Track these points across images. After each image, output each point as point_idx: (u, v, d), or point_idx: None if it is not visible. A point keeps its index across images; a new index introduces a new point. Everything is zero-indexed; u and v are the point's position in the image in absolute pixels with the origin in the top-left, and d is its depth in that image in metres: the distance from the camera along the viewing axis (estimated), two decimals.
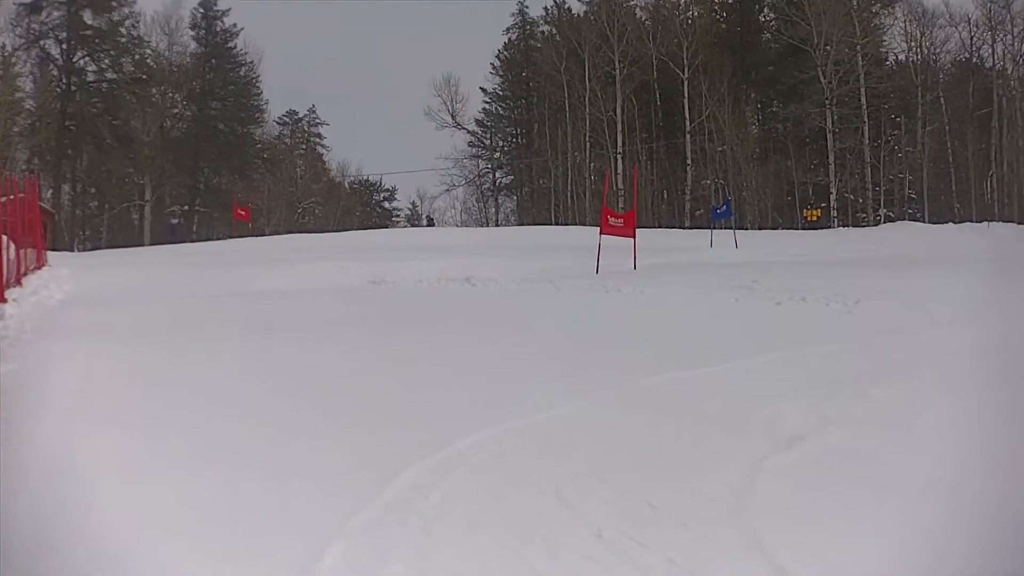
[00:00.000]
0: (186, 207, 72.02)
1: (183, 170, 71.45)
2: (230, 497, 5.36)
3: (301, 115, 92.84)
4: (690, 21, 70.82)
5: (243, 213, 48.35)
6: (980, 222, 47.59)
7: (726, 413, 7.29)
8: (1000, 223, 47.20)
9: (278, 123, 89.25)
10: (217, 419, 7.19)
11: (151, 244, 55.98)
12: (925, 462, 5.95)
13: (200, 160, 73.10)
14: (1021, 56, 64.02)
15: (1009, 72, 64.04)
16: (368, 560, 4.50)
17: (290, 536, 4.78)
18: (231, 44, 77.30)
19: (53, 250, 29.90)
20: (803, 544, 4.63)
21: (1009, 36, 63.72)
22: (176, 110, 74.23)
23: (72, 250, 48.61)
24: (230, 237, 44.24)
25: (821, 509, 5.17)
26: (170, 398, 7.91)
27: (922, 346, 10.65)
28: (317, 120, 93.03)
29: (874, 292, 15.10)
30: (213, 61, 76.02)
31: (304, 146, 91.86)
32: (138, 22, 69.40)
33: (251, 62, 77.86)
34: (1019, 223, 48.43)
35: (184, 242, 44.76)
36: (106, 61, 68.24)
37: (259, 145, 79.32)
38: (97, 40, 67.72)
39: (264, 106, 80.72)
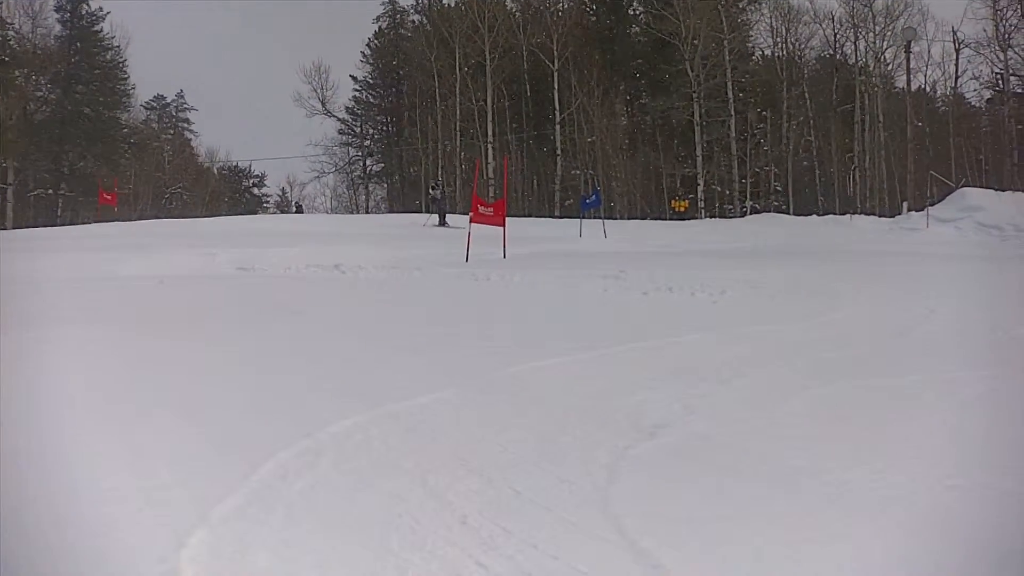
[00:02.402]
0: (50, 191, 70.43)
1: (47, 154, 69.87)
2: (86, 488, 5.25)
3: (169, 100, 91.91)
4: (560, 13, 71.45)
5: (109, 198, 47.49)
6: (843, 215, 48.74)
7: (592, 401, 7.34)
8: (862, 215, 48.53)
9: (145, 108, 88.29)
10: (66, 409, 7.05)
11: (13, 227, 54.81)
12: (785, 451, 6.05)
13: (65, 144, 71.42)
14: (882, 54, 65.75)
15: (871, 69, 65.72)
16: (232, 548, 4.44)
17: (151, 525, 4.69)
18: (97, 27, 75.72)
19: None
20: (667, 530, 4.67)
21: (871, 34, 65.46)
22: (40, 93, 72.52)
23: None
24: (95, 222, 43.38)
25: (684, 496, 5.23)
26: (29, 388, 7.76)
27: (786, 336, 10.83)
28: (185, 105, 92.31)
29: (740, 283, 15.34)
30: (78, 44, 74.24)
31: (171, 131, 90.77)
32: (0, 3, 67.69)
33: (117, 46, 76.64)
34: (880, 216, 49.63)
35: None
36: None
37: (126, 130, 77.90)
38: None
39: (131, 91, 79.60)
